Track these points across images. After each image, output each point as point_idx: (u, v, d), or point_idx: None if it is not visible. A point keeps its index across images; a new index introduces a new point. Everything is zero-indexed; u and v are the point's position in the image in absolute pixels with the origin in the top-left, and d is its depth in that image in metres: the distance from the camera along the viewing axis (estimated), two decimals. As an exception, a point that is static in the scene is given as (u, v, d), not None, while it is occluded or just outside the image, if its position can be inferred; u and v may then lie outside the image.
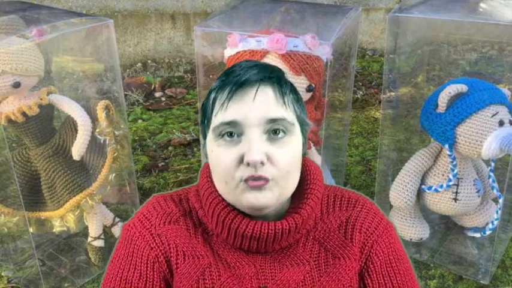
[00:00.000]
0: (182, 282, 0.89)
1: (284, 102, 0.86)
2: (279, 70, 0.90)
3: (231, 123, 0.84)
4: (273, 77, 0.86)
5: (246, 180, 0.83)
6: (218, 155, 0.85)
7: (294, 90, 0.91)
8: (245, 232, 0.86)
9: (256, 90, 0.84)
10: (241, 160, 0.83)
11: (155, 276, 0.90)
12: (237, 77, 0.85)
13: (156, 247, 0.91)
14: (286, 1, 1.99)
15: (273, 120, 0.83)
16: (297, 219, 0.88)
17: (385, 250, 0.95)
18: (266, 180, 0.83)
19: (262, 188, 0.83)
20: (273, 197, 0.84)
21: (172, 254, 0.91)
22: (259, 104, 0.84)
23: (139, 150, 2.72)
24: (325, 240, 0.93)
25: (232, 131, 0.84)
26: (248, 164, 0.82)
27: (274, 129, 0.84)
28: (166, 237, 0.92)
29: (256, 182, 0.82)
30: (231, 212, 0.88)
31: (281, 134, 0.84)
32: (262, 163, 0.82)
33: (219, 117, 0.85)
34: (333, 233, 0.94)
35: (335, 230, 0.94)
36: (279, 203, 0.88)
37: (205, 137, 0.92)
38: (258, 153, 0.81)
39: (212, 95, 0.88)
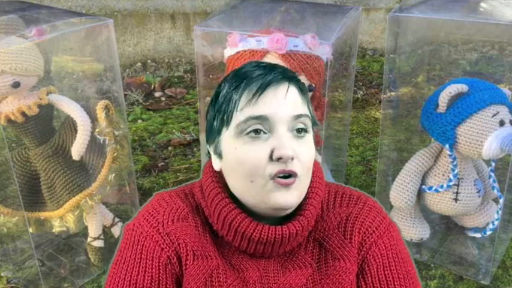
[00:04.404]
0: (190, 283, 0.86)
1: (306, 101, 0.87)
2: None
3: (260, 118, 0.81)
4: (295, 77, 0.87)
5: (274, 178, 0.81)
6: (245, 151, 0.82)
7: (307, 91, 0.91)
8: (252, 236, 0.84)
9: (288, 88, 0.84)
10: (270, 156, 0.81)
11: (168, 279, 0.86)
12: (264, 75, 0.83)
13: (167, 247, 0.86)
14: (286, 1, 1.98)
15: (298, 116, 0.83)
16: (303, 221, 0.86)
17: (384, 252, 0.91)
18: (295, 175, 0.82)
19: (290, 187, 0.82)
20: (298, 195, 0.84)
21: (182, 254, 0.86)
22: (289, 101, 0.83)
23: (139, 150, 2.71)
24: (325, 240, 0.91)
25: (259, 128, 0.82)
26: (278, 160, 0.80)
27: (298, 128, 0.84)
28: (175, 236, 0.87)
29: (287, 180, 0.81)
30: (238, 214, 0.85)
31: (303, 133, 0.84)
32: (292, 158, 0.81)
33: (246, 111, 0.82)
34: (332, 231, 0.91)
35: (334, 228, 0.91)
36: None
37: (213, 137, 0.88)
38: (290, 147, 0.81)
39: (232, 94, 0.84)
